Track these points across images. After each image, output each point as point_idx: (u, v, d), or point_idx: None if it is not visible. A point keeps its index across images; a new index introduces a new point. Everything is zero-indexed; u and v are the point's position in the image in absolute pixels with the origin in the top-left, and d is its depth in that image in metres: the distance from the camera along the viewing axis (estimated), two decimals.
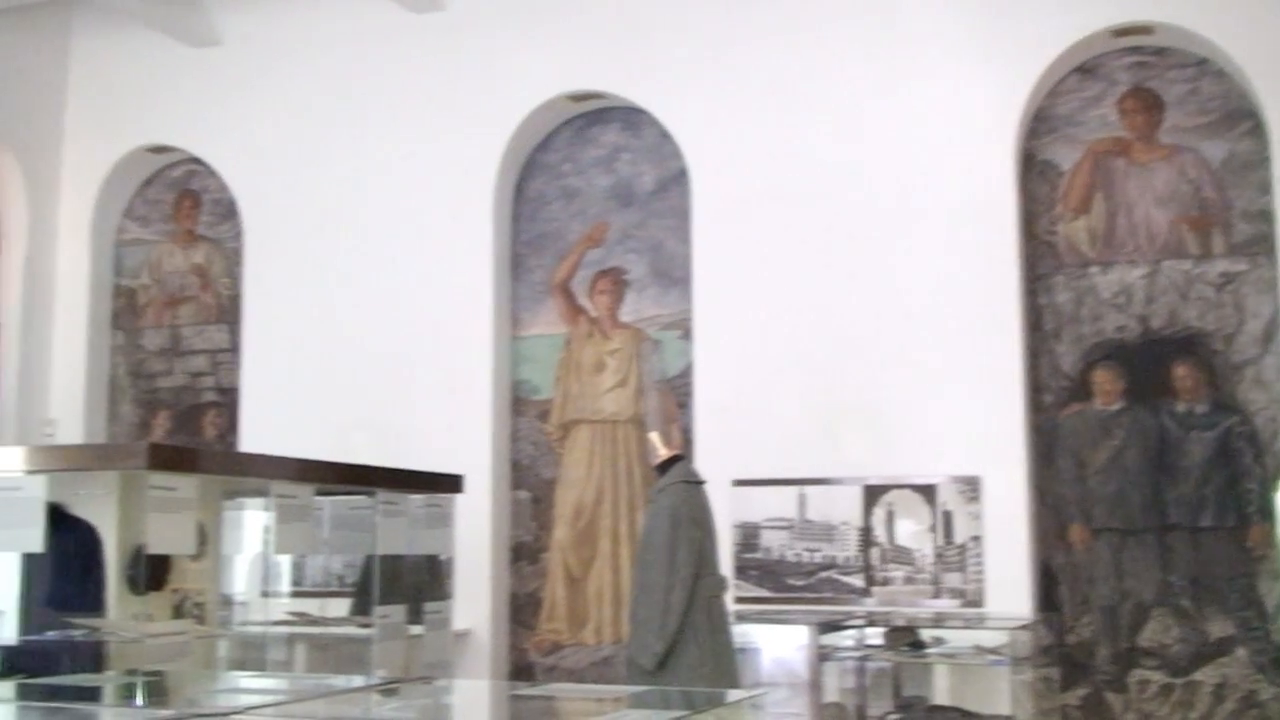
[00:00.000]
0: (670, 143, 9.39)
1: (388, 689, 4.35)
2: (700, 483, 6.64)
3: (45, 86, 10.82)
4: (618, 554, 9.35)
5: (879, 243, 8.70)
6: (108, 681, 4.32)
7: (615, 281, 9.62)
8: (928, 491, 8.44)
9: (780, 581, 8.66)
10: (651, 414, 9.32)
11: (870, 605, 8.43)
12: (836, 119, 8.88)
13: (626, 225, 9.65)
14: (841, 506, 8.60)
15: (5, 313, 10.68)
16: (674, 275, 9.44)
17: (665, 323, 9.47)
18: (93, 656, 4.84)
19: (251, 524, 5.77)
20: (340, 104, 10.13)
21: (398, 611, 5.71)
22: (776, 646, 7.70)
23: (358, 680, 4.78)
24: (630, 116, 9.64)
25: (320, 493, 5.48)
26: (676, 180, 9.44)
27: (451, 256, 9.67)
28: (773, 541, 8.70)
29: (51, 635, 5.05)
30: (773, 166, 8.97)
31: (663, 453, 6.76)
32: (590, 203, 9.74)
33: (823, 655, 7.61)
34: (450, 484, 6.22)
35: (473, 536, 8.60)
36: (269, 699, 4.09)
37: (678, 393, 9.30)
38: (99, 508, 5.22)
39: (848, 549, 8.58)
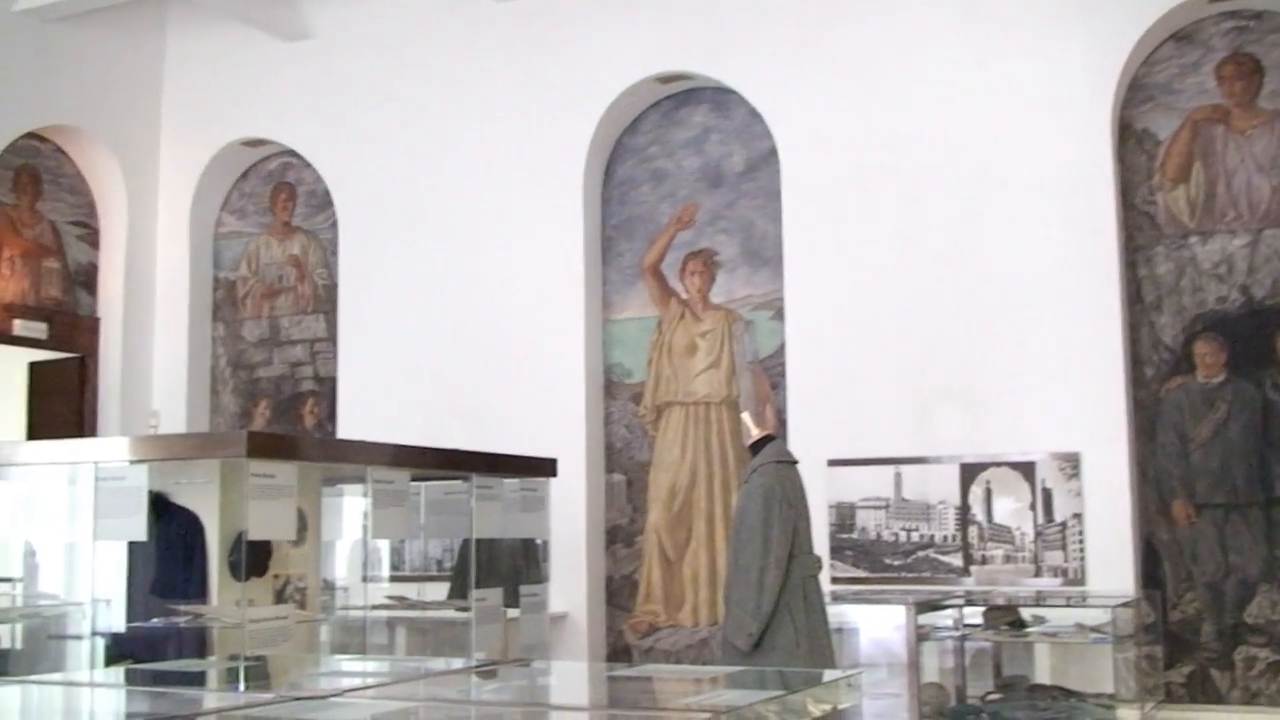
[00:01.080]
0: (759, 122, 9.34)
1: (486, 671, 4.39)
2: (793, 462, 6.61)
3: (142, 85, 11.03)
4: (713, 536, 9.35)
5: (973, 217, 8.59)
6: (211, 666, 4.40)
7: (706, 263, 9.61)
8: (1026, 469, 8.33)
9: (877, 561, 8.61)
10: (744, 395, 9.30)
11: (969, 584, 8.36)
12: (928, 94, 8.78)
13: (716, 206, 9.62)
14: (938, 485, 8.52)
15: (108, 307, 10.91)
16: (765, 255, 9.40)
17: (757, 303, 9.44)
18: (197, 642, 4.94)
19: (350, 510, 5.84)
20: (429, 92, 10.21)
21: (495, 595, 5.76)
22: (874, 627, 7.64)
23: (457, 663, 4.82)
24: (719, 97, 9.60)
25: (416, 478, 5.54)
26: (766, 160, 9.39)
27: (542, 242, 9.72)
28: (868, 521, 8.65)
29: (157, 622, 5.16)
30: (863, 143, 8.89)
31: (756, 433, 6.74)
32: (680, 185, 9.73)
33: (921, 635, 7.54)
34: (544, 468, 6.25)
35: (567, 520, 8.64)
36: (369, 681, 4.14)
37: (770, 373, 9.26)
38: (201, 496, 5.32)
39: (945, 528, 8.50)
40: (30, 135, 10.35)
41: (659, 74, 9.58)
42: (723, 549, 9.01)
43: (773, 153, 9.28)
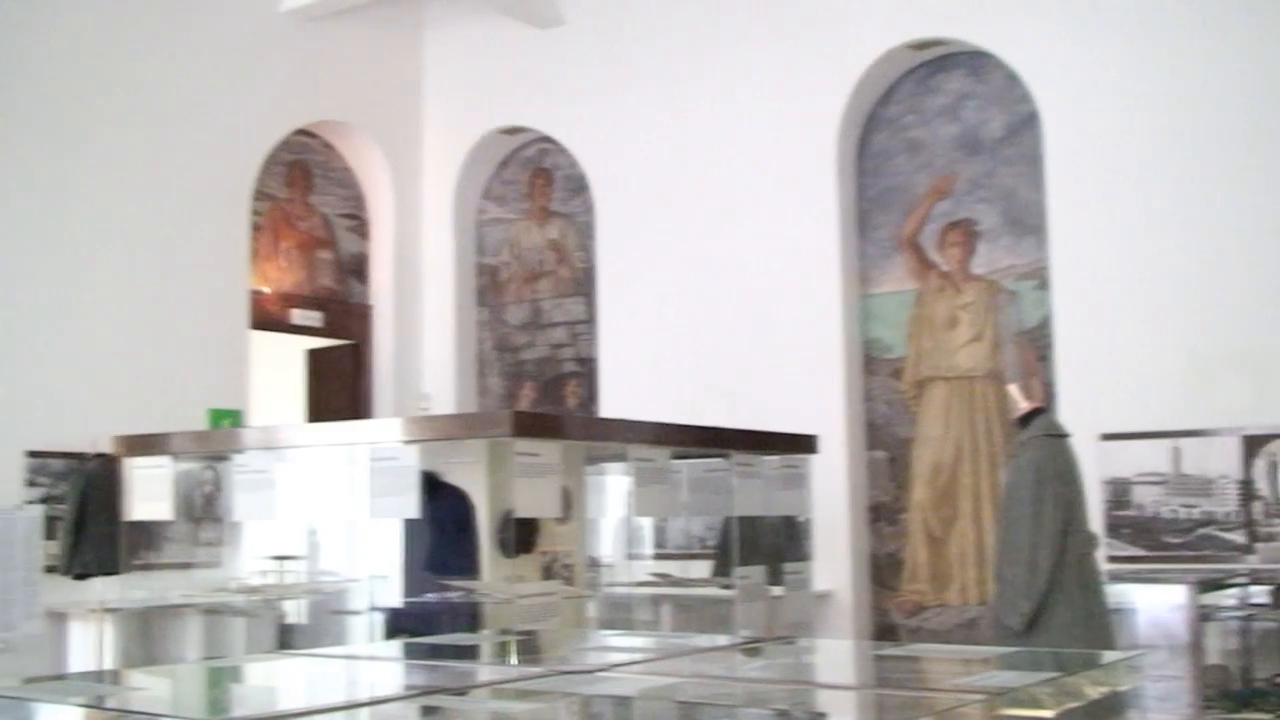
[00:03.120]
0: (1018, 85, 9.04)
1: (750, 648, 4.36)
2: (1065, 436, 6.37)
3: (403, 78, 11.38)
4: (979, 513, 9.12)
5: (1254, 174, 8.13)
6: (483, 640, 4.50)
7: (966, 233, 9.36)
8: None
9: (1155, 539, 8.25)
10: (1010, 367, 9.03)
11: (1254, 563, 7.93)
12: (1201, 46, 8.34)
13: (975, 175, 9.36)
14: (1219, 459, 8.11)
15: (379, 295, 11.32)
16: (1027, 223, 9.10)
17: (1020, 273, 9.16)
18: (469, 617, 5.06)
19: (614, 488, 5.90)
20: (680, 72, 10.23)
21: (758, 572, 5.73)
22: (1153, 607, 7.34)
23: (721, 640, 4.82)
24: (974, 61, 9.33)
25: (677, 456, 5.54)
26: (1026, 124, 9.08)
27: (797, 218, 9.63)
28: (1145, 498, 8.30)
29: (431, 597, 5.31)
30: (1129, 103, 8.50)
31: (1023, 406, 6.52)
32: (936, 154, 9.50)
33: (1203, 615, 7.21)
34: (804, 444, 6.18)
35: (829, 498, 8.56)
36: (636, 656, 4.17)
37: (1036, 344, 8.97)
38: (470, 475, 5.45)
39: (1227, 504, 8.08)
40: (300, 132, 10.80)
41: (912, 41, 9.37)
42: (990, 526, 8.79)
43: (1033, 116, 8.97)
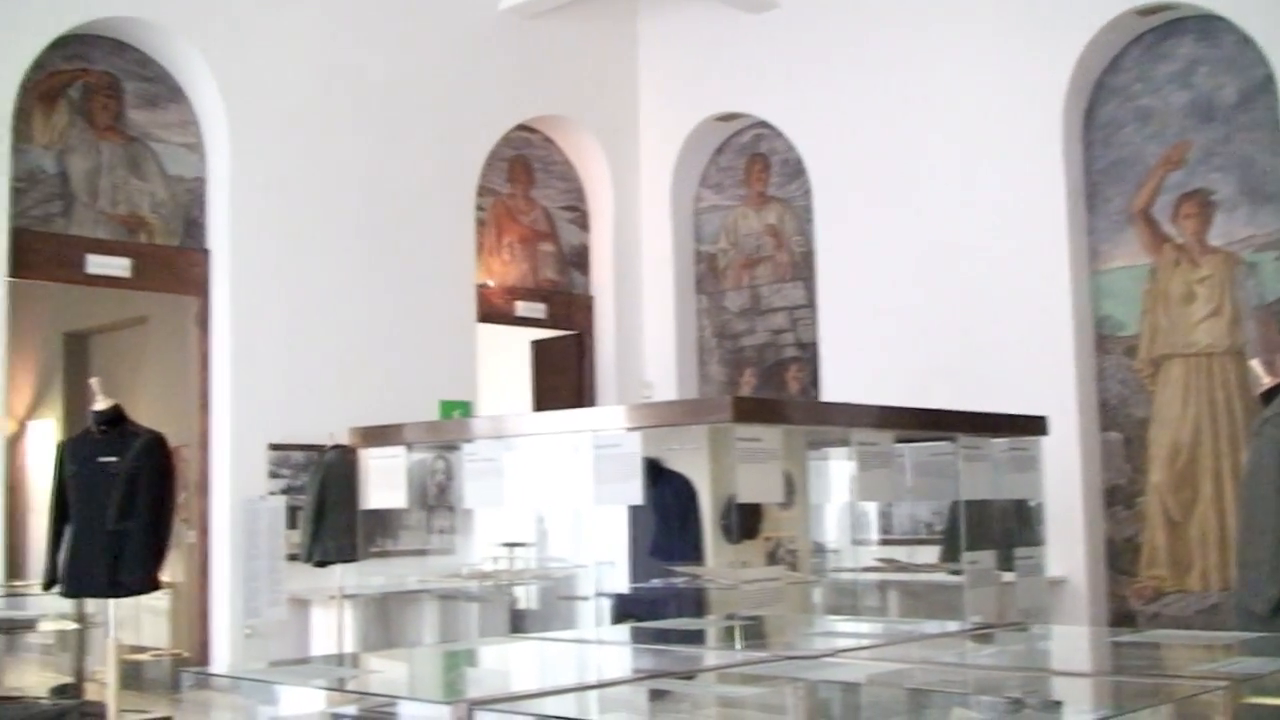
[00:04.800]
0: (1252, 49, 8.64)
1: (981, 634, 4.29)
2: None
3: (619, 69, 11.49)
4: (1221, 495, 8.76)
5: None
6: (709, 625, 4.52)
7: (1201, 204, 8.99)
8: None
9: None
10: (1252, 342, 8.65)
11: None
12: None
13: (1209, 143, 8.98)
14: None
15: (600, 285, 11.47)
16: (1266, 192, 8.69)
17: (1260, 244, 8.75)
18: (694, 602, 5.09)
19: (837, 473, 5.86)
20: (895, 48, 10.07)
21: (987, 558, 5.61)
22: None
23: (950, 626, 4.75)
24: (1204, 25, 8.95)
25: (900, 440, 5.47)
26: (1262, 89, 8.67)
27: (1021, 193, 9.40)
28: None
29: (656, 583, 5.36)
30: None
31: (1266, 381, 6.23)
32: (1168, 122, 9.15)
33: None
34: (1034, 426, 6.03)
35: (1062, 481, 8.33)
36: (863, 642, 4.14)
37: (1279, 318, 8.58)
38: (692, 461, 5.48)
39: None
40: (520, 127, 11.01)
41: (1139, 6, 9.03)
42: (1232, 508, 8.43)
43: (1269, 80, 8.56)
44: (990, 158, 9.54)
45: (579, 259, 11.48)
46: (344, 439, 6.71)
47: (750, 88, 10.95)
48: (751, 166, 11.32)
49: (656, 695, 3.17)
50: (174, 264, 9.13)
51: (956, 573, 5.64)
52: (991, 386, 8.85)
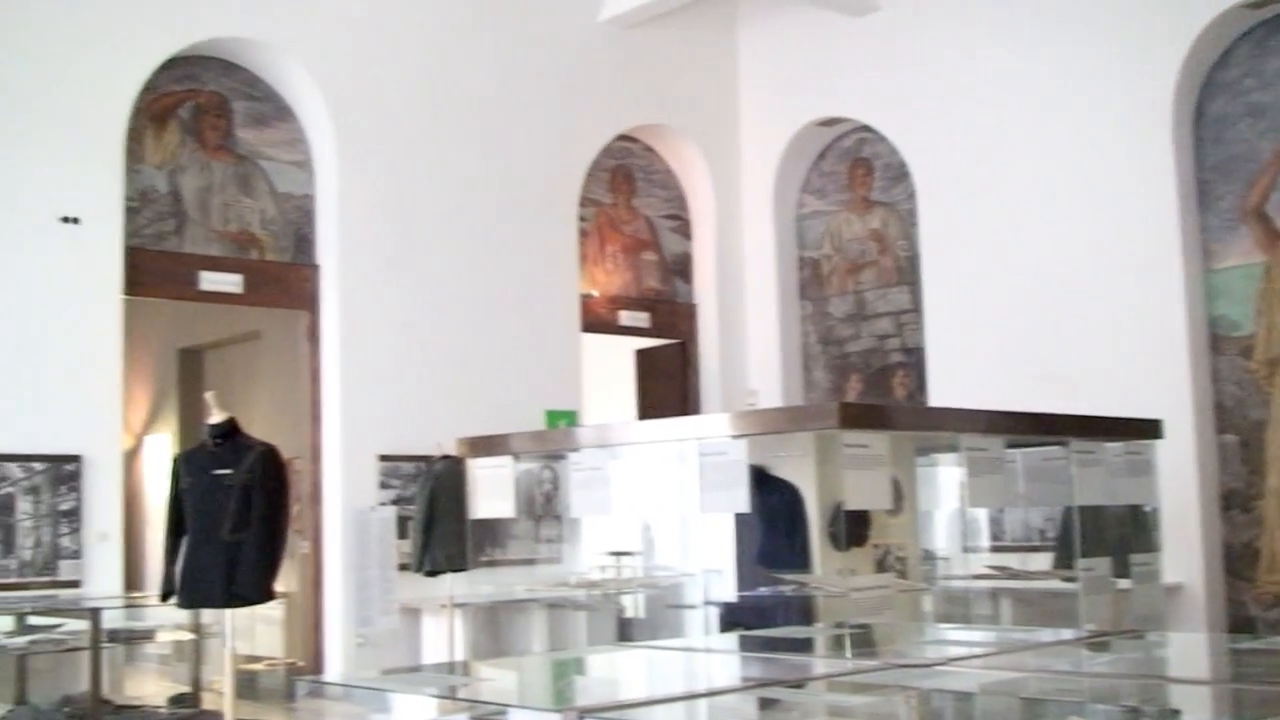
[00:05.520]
0: None
1: (1096, 642, 4.21)
2: None
3: (719, 78, 11.48)
4: None
5: None
6: (817, 633, 4.49)
7: None
8: None
9: None
10: None
11: None
12: None
13: None
14: None
15: (703, 293, 11.46)
16: None
17: None
18: (802, 610, 5.06)
19: (946, 479, 5.80)
20: (997, 49, 9.95)
21: (1102, 564, 5.53)
22: None
23: (1065, 634, 4.67)
24: None
25: (1011, 445, 5.40)
26: None
27: (1129, 192, 9.23)
28: None
29: (764, 591, 5.34)
30: None
31: None
32: None
33: None
34: (1148, 430, 5.93)
35: (1177, 485, 8.15)
36: (975, 651, 4.08)
37: None
38: (798, 468, 5.45)
39: None
40: (621, 137, 11.04)
41: (1248, 0, 8.84)
42: None
43: None
44: (1097, 156, 9.38)
45: (681, 267, 11.48)
46: (452, 449, 6.77)
47: (852, 92, 10.88)
48: (854, 171, 11.25)
49: (766, 704, 3.16)
50: (284, 279, 9.29)
51: (1070, 580, 5.56)
52: (1103, 390, 8.71)
